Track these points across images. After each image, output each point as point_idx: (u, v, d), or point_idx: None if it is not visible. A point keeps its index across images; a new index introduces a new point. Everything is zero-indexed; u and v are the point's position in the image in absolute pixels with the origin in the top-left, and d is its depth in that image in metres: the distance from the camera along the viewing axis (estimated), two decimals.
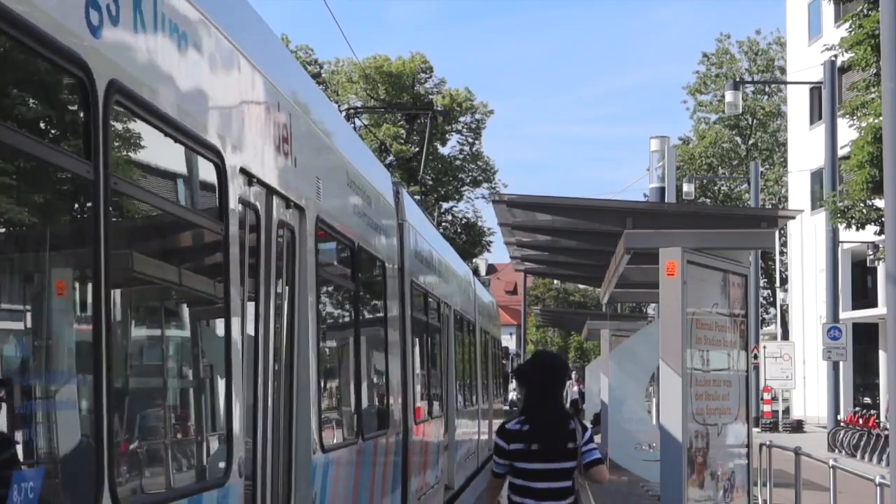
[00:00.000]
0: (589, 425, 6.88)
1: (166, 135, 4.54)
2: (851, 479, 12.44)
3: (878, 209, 22.22)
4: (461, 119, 58.69)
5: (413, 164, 54.24)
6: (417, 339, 12.58)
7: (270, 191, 5.97)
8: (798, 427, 36.65)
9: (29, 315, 3.87)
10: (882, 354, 36.22)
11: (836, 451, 26.33)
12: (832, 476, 12.40)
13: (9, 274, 3.80)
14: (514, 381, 37.03)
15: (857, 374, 39.98)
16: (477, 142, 59.90)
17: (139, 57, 4.25)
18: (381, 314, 10.05)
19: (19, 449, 3.54)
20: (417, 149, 55.93)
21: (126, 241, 4.46)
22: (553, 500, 6.30)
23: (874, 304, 38.02)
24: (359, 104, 56.66)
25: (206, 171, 5.03)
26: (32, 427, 3.69)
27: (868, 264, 35.71)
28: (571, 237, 14.17)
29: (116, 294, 4.13)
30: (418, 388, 12.40)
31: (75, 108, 3.85)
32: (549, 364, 6.57)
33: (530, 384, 6.48)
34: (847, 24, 24.05)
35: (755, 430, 29.08)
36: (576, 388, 39.81)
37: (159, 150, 4.65)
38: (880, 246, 27.34)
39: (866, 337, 39.00)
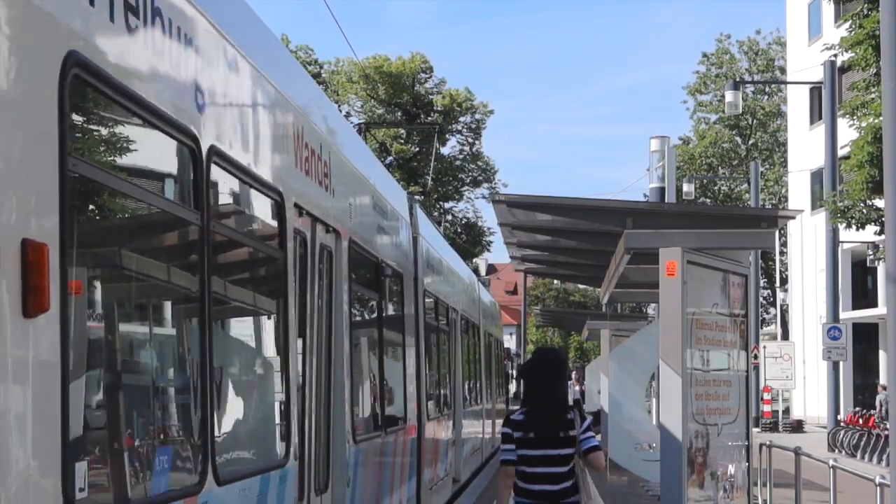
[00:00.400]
0: (589, 417, 7.31)
1: (244, 182, 5.61)
2: (851, 479, 12.44)
3: (878, 209, 22.22)
4: (461, 119, 58.68)
5: (413, 164, 54.28)
6: (429, 342, 13.52)
7: (315, 219, 7.02)
8: (798, 427, 36.65)
9: (157, 326, 4.88)
10: (882, 354, 36.25)
11: (836, 451, 26.34)
12: (832, 476, 12.40)
13: (137, 297, 4.71)
14: (514, 380, 37.27)
15: (857, 374, 39.99)
16: (477, 142, 59.91)
17: (227, 123, 5.24)
18: (399, 320, 11.08)
19: (159, 432, 4.67)
20: (417, 149, 55.94)
21: (221, 269, 5.45)
22: (552, 483, 6.85)
23: (874, 304, 38.05)
24: (359, 104, 56.75)
25: (272, 209, 6.13)
26: (167, 416, 4.82)
27: (868, 264, 35.74)
28: (571, 237, 14.15)
29: (214, 309, 5.08)
30: (430, 387, 13.33)
31: (189, 169, 4.81)
32: (549, 359, 7.16)
33: (531, 378, 7.07)
34: (847, 24, 24.06)
35: (755, 430, 29.12)
36: (577, 388, 39.86)
37: (241, 195, 5.77)
38: (880, 246, 27.35)
39: (866, 337, 39.03)
